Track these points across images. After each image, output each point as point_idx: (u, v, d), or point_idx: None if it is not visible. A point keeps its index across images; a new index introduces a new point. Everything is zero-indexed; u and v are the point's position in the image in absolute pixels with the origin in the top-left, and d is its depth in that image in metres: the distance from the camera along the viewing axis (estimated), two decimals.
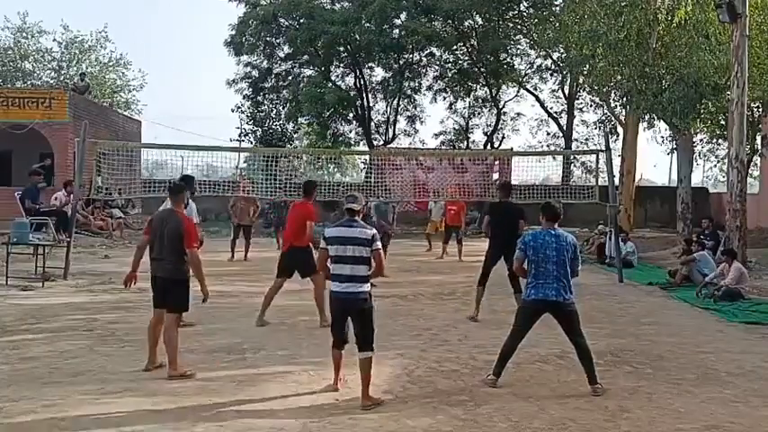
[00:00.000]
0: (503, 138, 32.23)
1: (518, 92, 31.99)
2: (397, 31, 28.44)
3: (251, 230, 15.78)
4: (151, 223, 6.54)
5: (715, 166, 28.86)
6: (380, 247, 5.72)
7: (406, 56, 29.53)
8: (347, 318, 5.69)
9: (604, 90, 20.49)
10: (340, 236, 5.63)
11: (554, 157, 26.79)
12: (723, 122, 17.06)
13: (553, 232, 6.15)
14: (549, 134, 32.43)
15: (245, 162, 26.37)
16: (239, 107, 31.55)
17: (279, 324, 8.66)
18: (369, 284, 5.66)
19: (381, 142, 30.25)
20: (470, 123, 32.19)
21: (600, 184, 14.92)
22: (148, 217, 7.66)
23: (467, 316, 9.30)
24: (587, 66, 19.74)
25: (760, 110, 17.76)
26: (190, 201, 7.75)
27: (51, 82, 36.65)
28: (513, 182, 12.58)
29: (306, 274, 8.58)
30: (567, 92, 30.04)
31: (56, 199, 15.86)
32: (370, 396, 5.54)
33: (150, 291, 6.55)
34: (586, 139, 31.79)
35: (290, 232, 8.77)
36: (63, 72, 38.06)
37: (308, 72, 30.54)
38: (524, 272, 6.27)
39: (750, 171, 19.90)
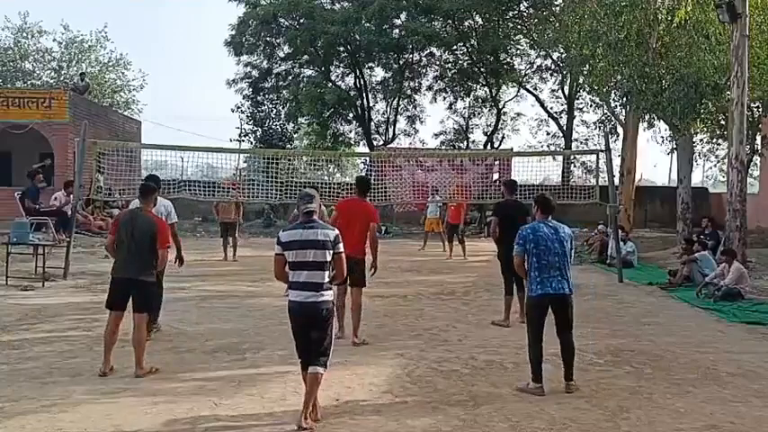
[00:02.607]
0: (503, 138, 32.26)
1: (518, 92, 32.02)
2: (396, 31, 28.45)
3: (236, 228, 15.62)
4: (116, 224, 6.48)
5: (715, 166, 28.93)
6: (343, 250, 5.22)
7: (406, 56, 29.54)
8: (310, 331, 5.12)
9: (604, 90, 20.48)
10: (298, 239, 5.08)
11: (554, 157, 26.89)
12: (723, 122, 17.07)
13: (550, 224, 6.09)
14: (549, 134, 32.48)
15: (245, 162, 26.40)
16: (239, 107, 31.59)
17: (279, 324, 8.64)
18: (331, 292, 5.22)
19: (381, 142, 30.25)
20: (470, 123, 32.21)
21: (600, 184, 14.92)
22: None
23: (493, 321, 8.90)
24: (587, 66, 19.71)
25: (760, 110, 17.75)
26: (165, 200, 7.95)
27: (51, 82, 36.65)
28: None
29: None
30: (567, 92, 30.05)
31: (55, 199, 15.87)
32: (314, 411, 5.08)
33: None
34: (586, 139, 31.84)
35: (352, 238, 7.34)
36: (63, 72, 38.04)
37: (308, 72, 30.55)
38: (525, 271, 6.11)
39: (750, 171, 19.92)
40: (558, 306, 6.09)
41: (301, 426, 4.92)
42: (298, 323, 5.16)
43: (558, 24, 22.41)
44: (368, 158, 28.10)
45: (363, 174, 23.66)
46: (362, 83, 30.36)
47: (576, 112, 30.52)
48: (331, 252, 5.11)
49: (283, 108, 30.47)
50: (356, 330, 7.69)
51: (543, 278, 5.97)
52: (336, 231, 5.24)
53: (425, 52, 29.76)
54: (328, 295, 5.14)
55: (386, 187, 18.29)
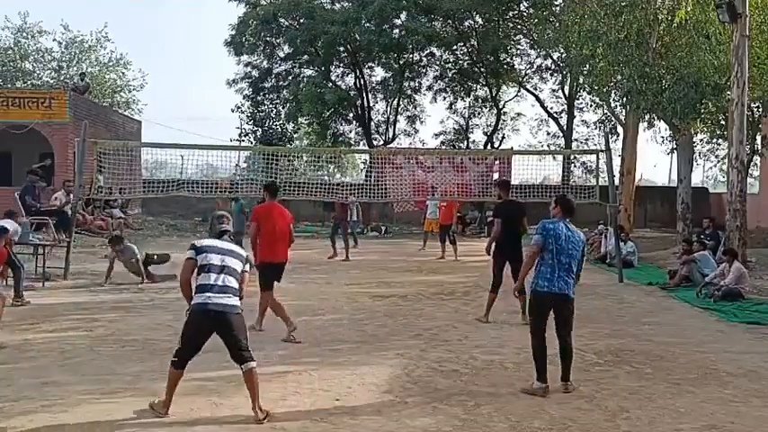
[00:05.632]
0: (503, 138, 32.30)
1: (518, 92, 32.05)
2: (397, 31, 28.45)
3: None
4: None
5: (715, 166, 28.94)
6: (249, 270, 5.60)
7: (406, 56, 29.54)
8: (211, 334, 5.30)
9: (604, 90, 20.51)
10: (218, 246, 5.45)
11: (554, 157, 26.91)
12: (723, 122, 17.05)
13: (569, 226, 6.11)
14: (549, 134, 32.51)
15: (245, 162, 26.40)
16: (239, 107, 31.60)
17: (278, 324, 8.64)
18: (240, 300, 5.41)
19: (381, 142, 30.27)
20: (470, 123, 32.26)
21: (600, 184, 14.92)
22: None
23: (476, 317, 9.15)
24: (587, 66, 19.73)
25: (760, 110, 17.75)
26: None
27: (51, 82, 36.61)
28: (513, 182, 12.51)
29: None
30: (567, 92, 30.05)
31: (56, 199, 15.84)
32: (261, 407, 5.19)
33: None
34: (586, 139, 31.85)
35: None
36: (63, 72, 37.98)
37: (308, 72, 30.57)
38: (533, 262, 6.05)
39: (750, 171, 19.91)
40: (560, 306, 6.10)
41: (259, 419, 5.09)
42: (204, 326, 5.27)
43: (558, 24, 22.41)
44: (368, 158, 28.10)
45: (364, 173, 23.65)
46: (362, 83, 30.36)
47: (576, 112, 30.54)
48: (243, 265, 5.47)
49: (283, 108, 30.47)
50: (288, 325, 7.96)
51: (552, 276, 5.98)
52: (246, 253, 5.64)
53: (425, 52, 29.77)
54: (238, 301, 5.39)
55: (386, 186, 18.30)
